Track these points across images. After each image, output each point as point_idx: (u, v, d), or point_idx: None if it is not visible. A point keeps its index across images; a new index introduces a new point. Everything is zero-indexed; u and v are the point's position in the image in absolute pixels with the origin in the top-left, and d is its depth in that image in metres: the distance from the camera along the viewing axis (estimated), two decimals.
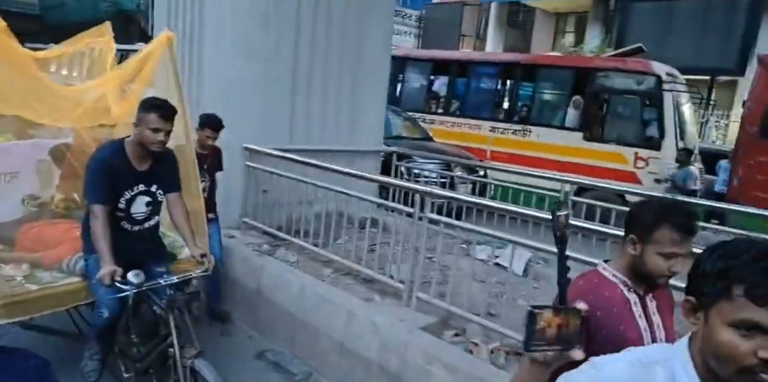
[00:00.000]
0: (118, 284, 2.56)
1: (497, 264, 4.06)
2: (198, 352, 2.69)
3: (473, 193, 6.93)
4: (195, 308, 2.85)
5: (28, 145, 3.99)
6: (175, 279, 2.74)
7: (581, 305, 1.08)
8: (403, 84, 12.11)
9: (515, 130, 9.83)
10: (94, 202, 2.81)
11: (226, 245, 4.56)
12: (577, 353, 1.05)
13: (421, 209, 3.56)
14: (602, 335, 1.53)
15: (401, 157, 7.68)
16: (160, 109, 2.79)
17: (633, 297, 1.61)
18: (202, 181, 3.96)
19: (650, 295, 1.63)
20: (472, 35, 22.86)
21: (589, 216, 5.24)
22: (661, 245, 1.50)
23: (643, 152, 8.46)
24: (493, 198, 6.72)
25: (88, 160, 2.93)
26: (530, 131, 9.64)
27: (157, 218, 3.15)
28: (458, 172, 7.86)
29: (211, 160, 4.28)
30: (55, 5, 20.93)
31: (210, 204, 4.17)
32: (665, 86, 8.40)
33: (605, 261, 1.69)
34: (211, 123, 4.14)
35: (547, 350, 1.04)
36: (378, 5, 6.00)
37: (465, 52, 15.00)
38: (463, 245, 4.13)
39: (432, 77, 11.87)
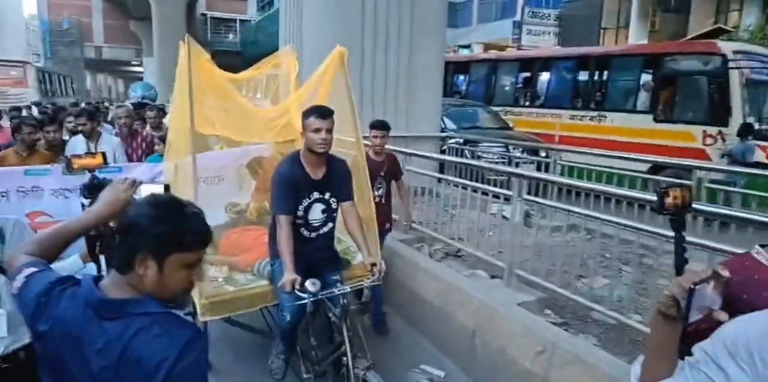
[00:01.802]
0: (297, 292, 2.56)
1: (504, 217, 4.54)
2: (370, 364, 2.60)
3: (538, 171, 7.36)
4: (367, 318, 2.85)
5: (232, 153, 4.19)
6: (348, 288, 2.70)
7: (724, 273, 1.05)
8: (495, 82, 12.52)
9: (592, 117, 9.96)
10: (280, 212, 2.82)
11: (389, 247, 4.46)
12: (722, 315, 1.04)
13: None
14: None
15: (469, 142, 8.39)
16: (316, 110, 2.80)
17: None
18: (379, 187, 3.84)
19: None
20: (613, 27, 20.25)
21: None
22: None
23: (711, 130, 8.23)
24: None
25: (273, 173, 2.94)
26: (605, 117, 9.71)
27: (331, 224, 3.07)
28: (516, 153, 8.29)
29: (387, 168, 4.10)
30: (251, 42, 24.68)
31: (385, 212, 4.02)
32: (731, 64, 8.11)
33: (762, 246, 1.47)
34: (376, 124, 4.03)
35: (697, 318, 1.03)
36: (430, 27, 7.10)
37: (547, 49, 15.23)
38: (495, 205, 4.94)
39: (518, 75, 12.18)
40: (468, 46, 22.98)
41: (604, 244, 3.81)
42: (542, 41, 20.31)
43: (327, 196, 2.97)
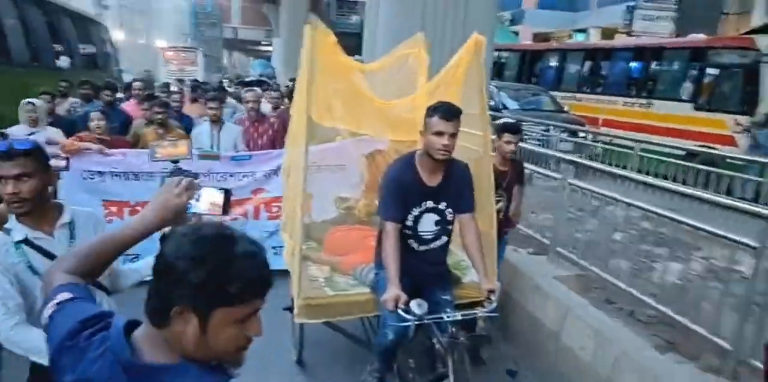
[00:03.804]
0: (400, 312, 2.04)
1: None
2: None
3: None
4: (482, 353, 2.23)
5: (355, 142, 3.54)
6: (458, 316, 2.16)
7: None
8: (563, 70, 12.60)
9: (641, 104, 9.91)
10: (385, 219, 2.27)
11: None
12: None
13: None
14: None
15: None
16: (441, 109, 2.15)
17: None
18: (498, 200, 2.97)
19: None
20: (736, 12, 16.14)
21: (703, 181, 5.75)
22: None
23: (741, 118, 8.28)
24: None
25: (382, 175, 2.38)
26: (652, 104, 9.65)
27: (445, 238, 2.40)
28: (557, 133, 8.52)
29: (510, 177, 3.21)
30: None
31: (504, 223, 3.13)
32: (764, 58, 8.12)
33: None
34: (509, 127, 3.12)
35: None
36: (479, 23, 6.57)
37: (611, 41, 14.92)
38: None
39: (581, 63, 12.18)
40: (584, 31, 20.13)
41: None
42: (656, 26, 17.25)
43: (442, 206, 2.34)
